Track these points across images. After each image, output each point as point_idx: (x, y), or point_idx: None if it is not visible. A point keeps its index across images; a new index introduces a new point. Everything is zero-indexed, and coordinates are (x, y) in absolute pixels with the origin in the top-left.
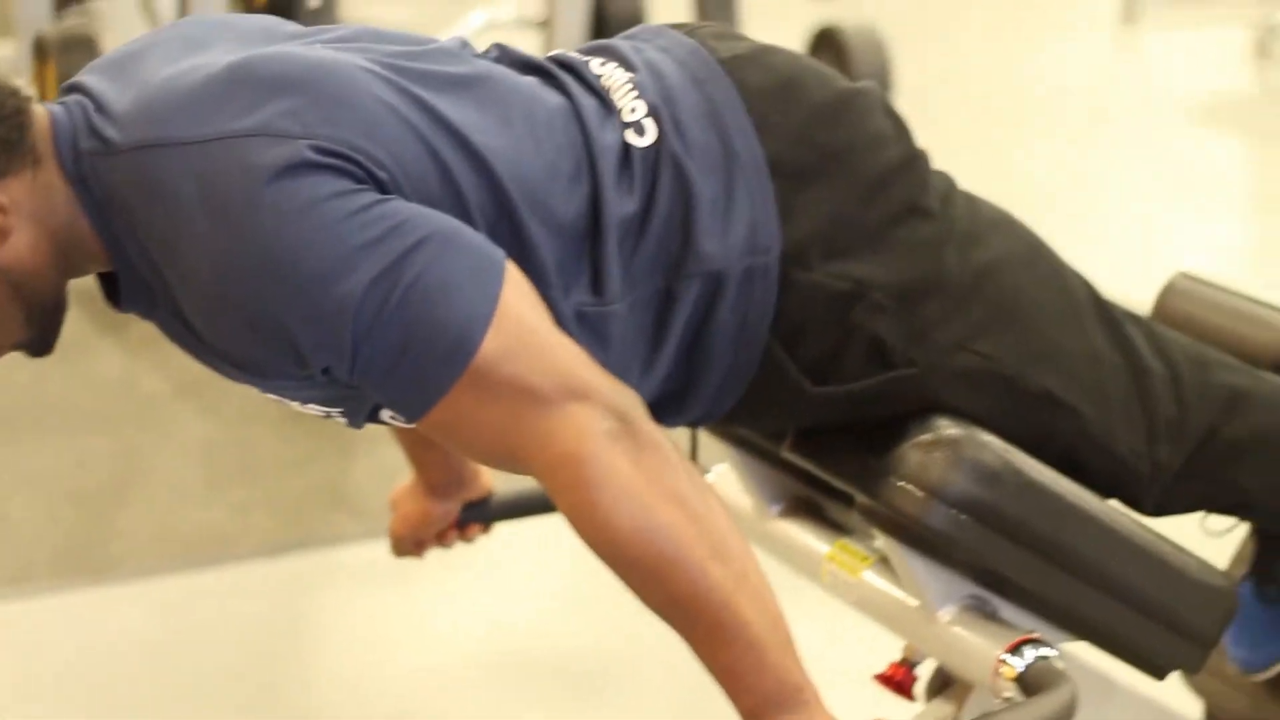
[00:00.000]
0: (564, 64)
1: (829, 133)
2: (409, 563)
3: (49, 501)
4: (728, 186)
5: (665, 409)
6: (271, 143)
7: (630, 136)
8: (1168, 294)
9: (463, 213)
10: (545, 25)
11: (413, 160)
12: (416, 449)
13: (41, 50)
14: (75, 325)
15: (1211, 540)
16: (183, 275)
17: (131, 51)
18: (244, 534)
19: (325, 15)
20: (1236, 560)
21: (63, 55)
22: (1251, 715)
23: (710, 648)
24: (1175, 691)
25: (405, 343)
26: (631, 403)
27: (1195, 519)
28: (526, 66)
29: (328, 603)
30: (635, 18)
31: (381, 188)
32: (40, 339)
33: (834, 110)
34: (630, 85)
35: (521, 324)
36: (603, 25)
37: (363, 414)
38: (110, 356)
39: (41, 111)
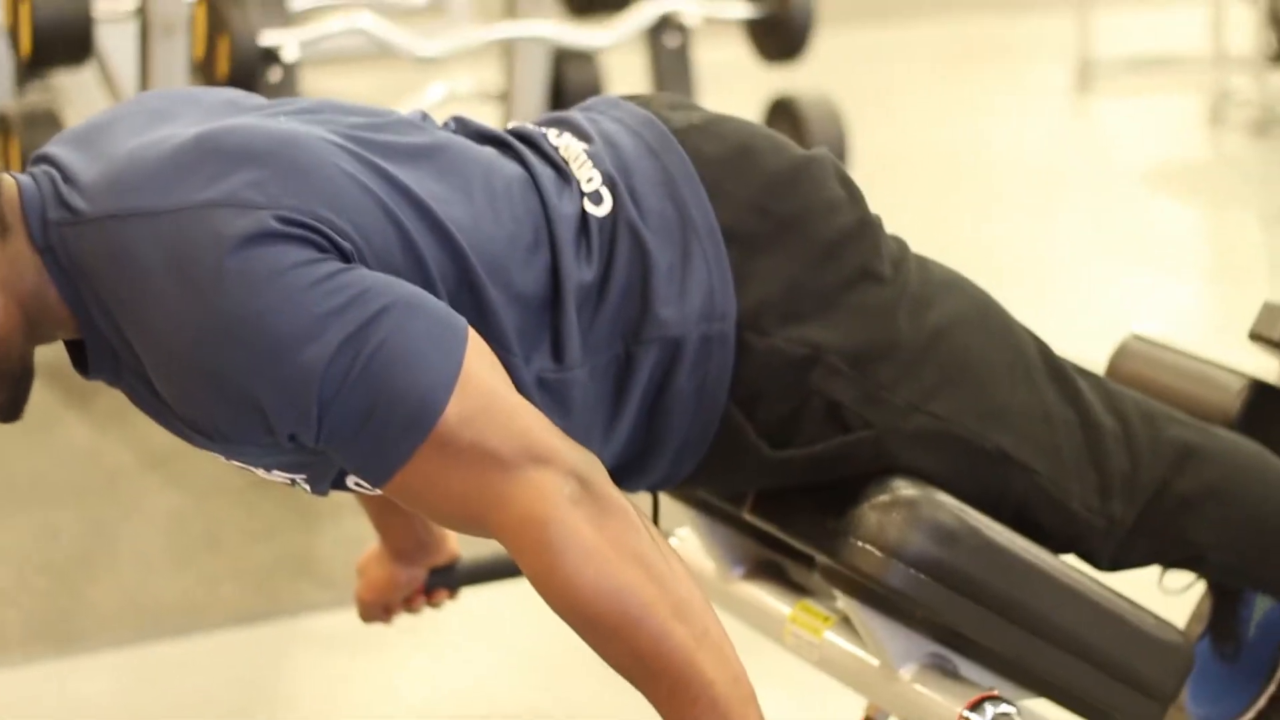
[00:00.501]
0: (521, 135)
1: (782, 201)
2: (377, 630)
3: (18, 573)
4: (684, 254)
5: (627, 473)
6: (237, 213)
7: (588, 206)
8: (1120, 355)
9: (425, 281)
10: (504, 98)
11: (375, 230)
12: (382, 515)
13: (4, 125)
14: (42, 398)
15: (1169, 599)
16: (149, 343)
17: (98, 124)
18: (212, 604)
19: (286, 88)
20: (1194, 618)
21: (26, 130)
22: None
23: (673, 706)
24: None
25: (369, 409)
26: (593, 466)
27: (1152, 578)
28: (484, 138)
29: (296, 671)
30: (594, 89)
31: (345, 256)
32: (9, 404)
33: (787, 178)
34: (586, 156)
35: (483, 389)
36: (561, 97)
37: (327, 481)
38: (77, 429)
39: (9, 181)
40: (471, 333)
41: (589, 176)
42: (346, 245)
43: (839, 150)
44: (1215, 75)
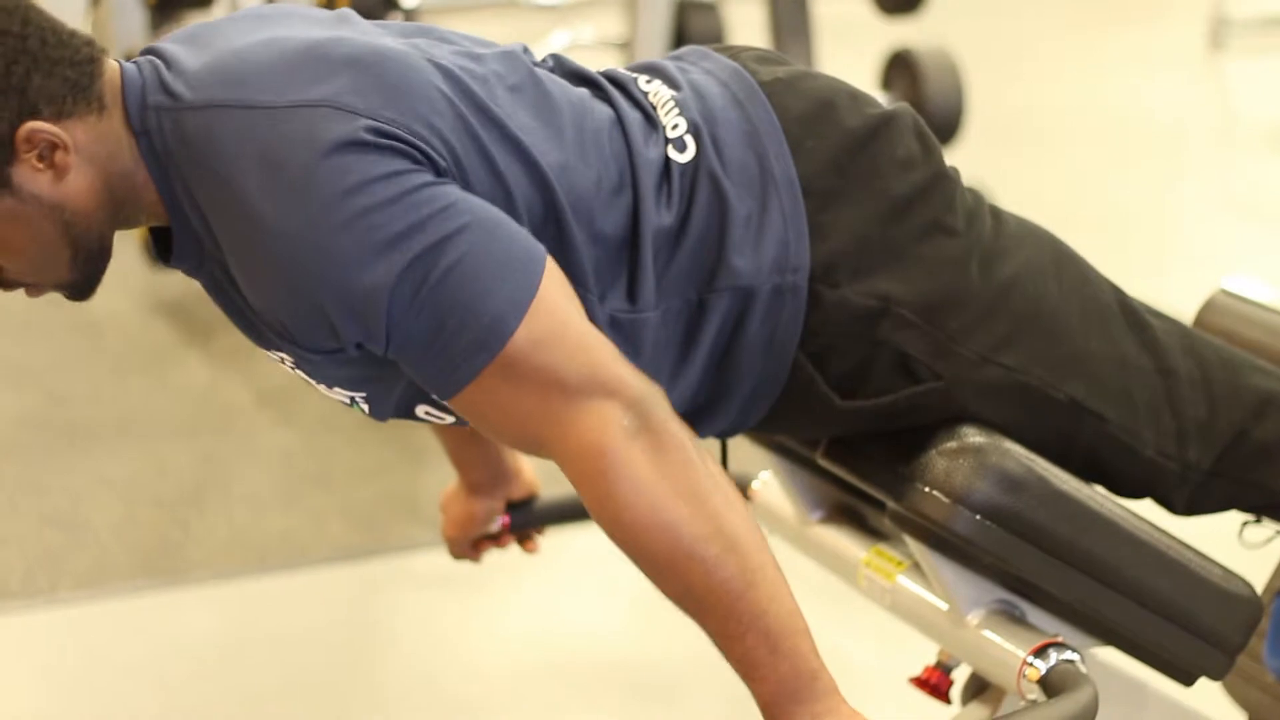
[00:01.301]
0: (613, 79)
1: (858, 157)
2: (479, 569)
3: (129, 506)
4: (762, 205)
5: (695, 418)
6: (335, 116)
7: (671, 152)
8: (1207, 309)
9: (510, 210)
10: (626, 46)
11: (465, 154)
12: (456, 448)
13: None
14: (162, 335)
15: (1250, 553)
16: (233, 233)
17: (209, 25)
18: (318, 541)
19: None
20: (1277, 574)
21: None
22: None
23: (726, 639)
24: (1217, 702)
25: (439, 325)
26: (656, 400)
27: (1232, 531)
28: (579, 78)
29: (400, 608)
30: (715, 38)
31: (437, 171)
32: (83, 282)
33: (865, 136)
34: (673, 103)
35: (555, 316)
36: (683, 46)
37: (388, 404)
38: (195, 367)
39: (113, 65)
40: (550, 260)
41: (675, 123)
42: (441, 161)
43: (956, 104)
44: None
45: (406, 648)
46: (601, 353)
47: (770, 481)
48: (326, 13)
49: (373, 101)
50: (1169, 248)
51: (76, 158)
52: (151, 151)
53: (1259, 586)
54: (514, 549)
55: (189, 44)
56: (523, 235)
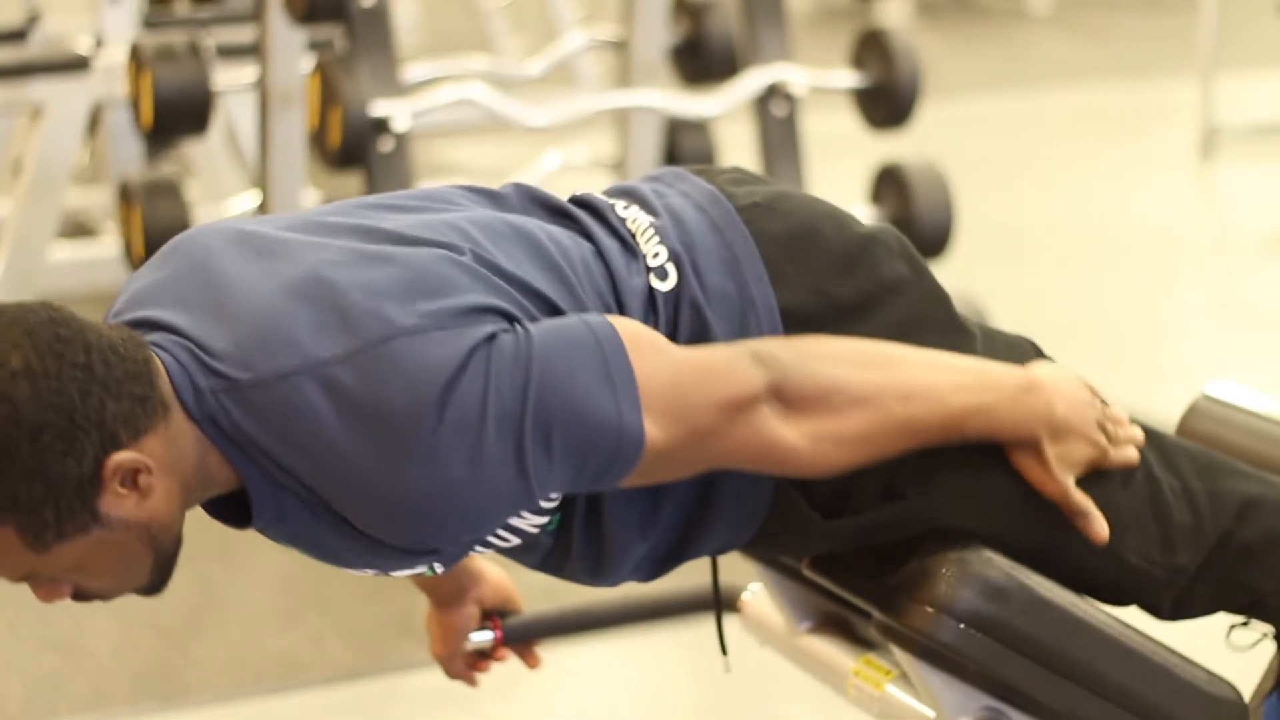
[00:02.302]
0: (589, 205)
1: (843, 283)
2: (476, 688)
3: (128, 630)
4: (741, 333)
5: (682, 543)
6: (409, 342)
7: (653, 280)
8: (1191, 415)
9: None
10: (619, 167)
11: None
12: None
13: (127, 195)
14: None
15: (1239, 656)
16: (350, 493)
17: (192, 281)
18: (317, 662)
19: (398, 158)
20: (1267, 675)
21: (148, 200)
22: None
23: (938, 435)
24: None
25: (580, 463)
26: (775, 369)
27: (1221, 635)
28: (552, 211)
29: None
30: (706, 157)
31: (504, 317)
32: (160, 581)
33: (848, 260)
34: (653, 230)
35: (663, 384)
36: (674, 164)
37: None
38: None
39: (157, 360)
40: (620, 325)
41: (655, 251)
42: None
43: (945, 217)
44: None
45: None
46: (713, 378)
47: (760, 593)
48: (296, 225)
49: (429, 309)
50: (1162, 357)
51: (158, 474)
52: (221, 433)
53: (1250, 688)
54: (514, 663)
55: (193, 312)
56: (580, 329)
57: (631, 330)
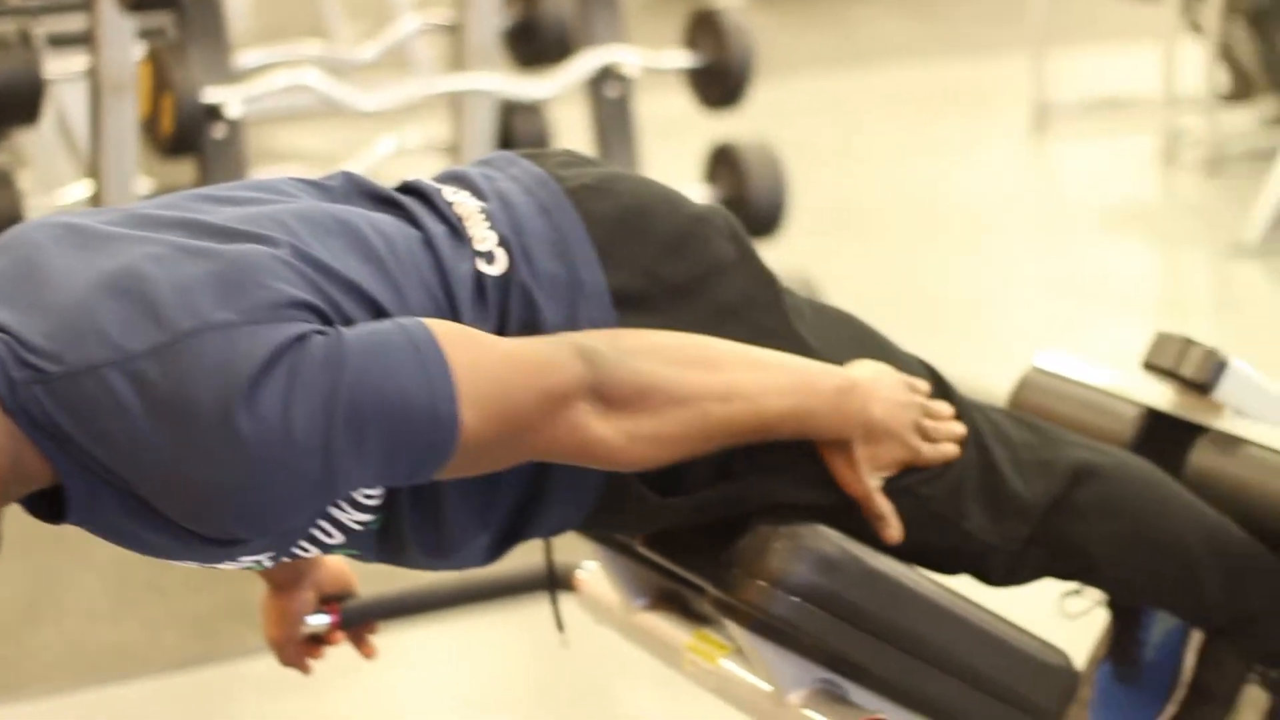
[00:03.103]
0: (417, 191)
1: (671, 265)
2: (320, 669)
3: None
4: (571, 315)
5: (517, 524)
6: (219, 338)
7: (481, 265)
8: (1021, 387)
9: None
10: (453, 150)
11: (328, 309)
12: None
13: None
14: None
15: (1073, 625)
16: (156, 483)
17: (14, 267)
18: (154, 650)
19: (231, 144)
20: (1099, 644)
21: None
22: None
23: (753, 436)
24: None
25: (394, 457)
26: (597, 365)
27: (1054, 604)
28: (378, 200)
29: (237, 714)
30: (540, 140)
31: (320, 318)
32: None
33: (677, 241)
34: (482, 215)
35: (479, 375)
36: (510, 148)
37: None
38: None
39: None
40: (435, 324)
41: (484, 236)
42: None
43: (778, 196)
44: (1167, 115)
45: None
46: (532, 372)
47: (595, 571)
48: (122, 219)
49: (240, 304)
50: (994, 330)
51: None
52: (35, 426)
53: (1083, 658)
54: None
55: (14, 306)
56: (393, 331)
57: (446, 327)
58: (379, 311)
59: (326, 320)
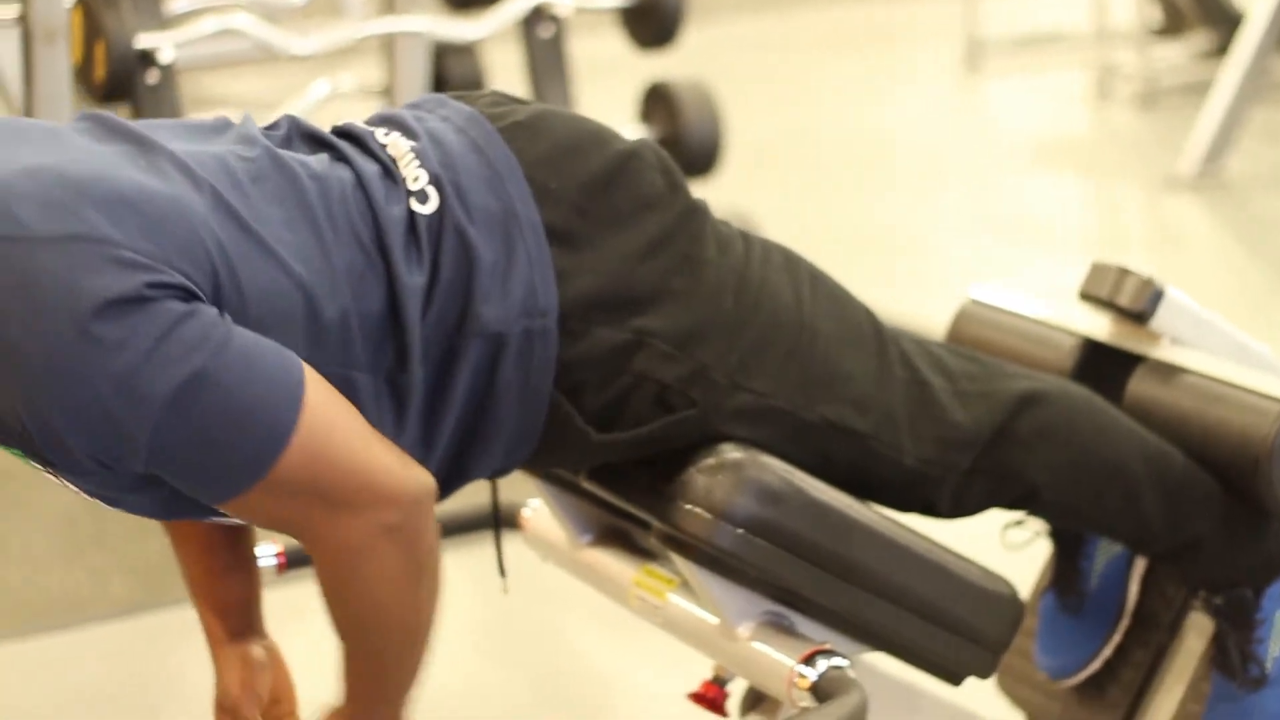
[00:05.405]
0: (350, 135)
1: (603, 199)
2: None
3: None
4: (508, 250)
5: (459, 463)
6: (92, 250)
7: (414, 204)
8: (960, 319)
9: (279, 314)
10: (387, 92)
11: (226, 277)
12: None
13: None
14: None
15: (1015, 557)
16: None
17: None
18: (100, 598)
19: (164, 91)
20: (1043, 573)
21: None
22: None
23: (365, 678)
24: (993, 703)
25: (204, 453)
26: (422, 503)
27: (997, 535)
28: (315, 141)
29: (184, 661)
30: (474, 82)
31: (192, 296)
32: None
33: (607, 177)
34: (413, 154)
35: (320, 432)
36: (443, 90)
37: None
38: None
39: None
40: (310, 374)
41: (416, 175)
42: (197, 289)
43: (713, 133)
44: (1100, 50)
45: (192, 698)
46: (371, 461)
47: (540, 508)
48: (57, 128)
49: (130, 233)
50: (927, 265)
51: None
52: None
53: (1027, 589)
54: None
55: None
56: (277, 352)
57: (318, 383)
58: (294, 278)
59: (193, 296)
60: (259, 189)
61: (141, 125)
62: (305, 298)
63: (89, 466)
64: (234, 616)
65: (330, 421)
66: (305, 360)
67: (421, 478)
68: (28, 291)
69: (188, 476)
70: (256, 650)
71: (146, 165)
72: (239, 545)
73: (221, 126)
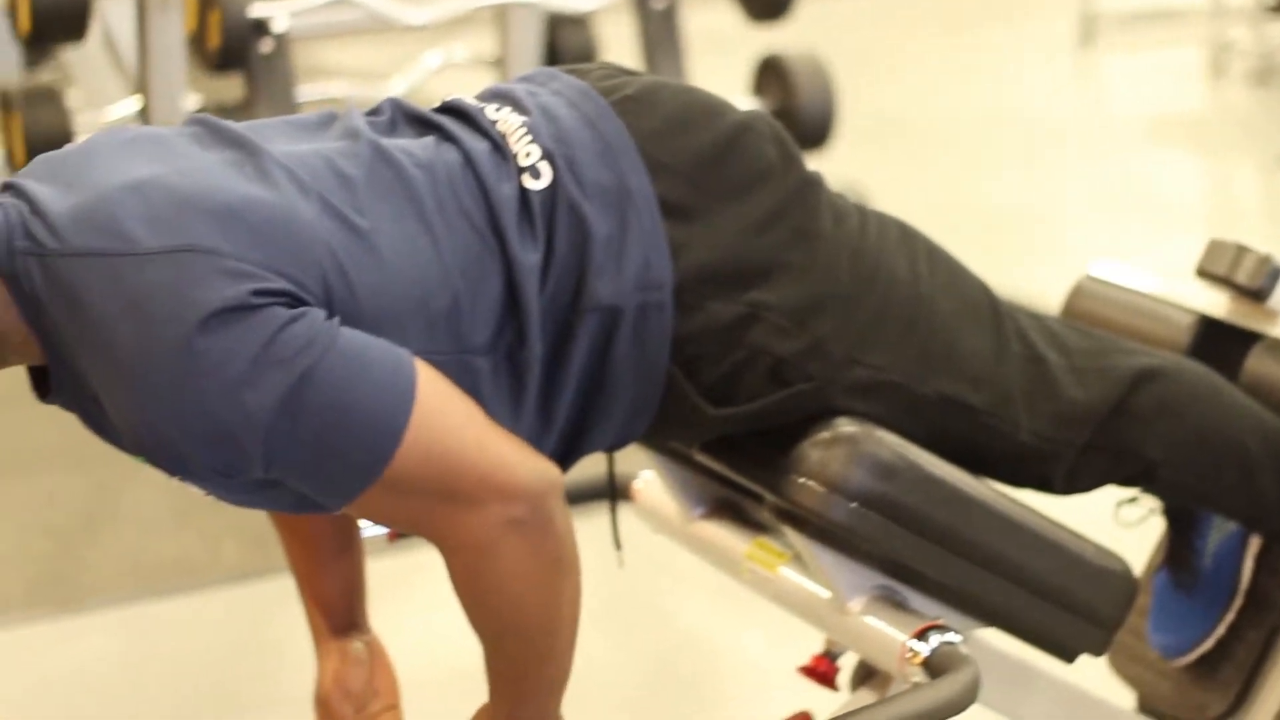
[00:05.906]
0: (459, 111)
1: (716, 173)
2: (375, 581)
3: (20, 537)
4: (621, 224)
5: (576, 439)
6: (201, 262)
7: (526, 180)
8: (1075, 295)
9: (395, 319)
10: (499, 64)
11: (338, 284)
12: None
13: (7, 103)
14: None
15: (1129, 533)
16: (104, 377)
17: (72, 154)
18: (212, 562)
19: (278, 60)
20: (1156, 552)
21: (28, 108)
22: (1176, 700)
23: (508, 678)
24: (1105, 680)
25: (319, 456)
26: (548, 492)
27: (1110, 513)
28: (421, 123)
29: (296, 625)
30: (587, 53)
31: (301, 301)
32: None
33: (721, 149)
34: (525, 129)
35: (435, 429)
36: (556, 62)
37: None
38: None
39: None
40: (422, 368)
41: (527, 151)
42: (308, 296)
43: (827, 107)
44: (1215, 27)
45: (304, 663)
46: (492, 455)
47: (652, 480)
48: (165, 135)
49: (238, 243)
50: (1044, 241)
51: None
52: (22, 295)
53: (1140, 567)
54: (403, 561)
55: (52, 183)
56: (387, 350)
57: (432, 377)
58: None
59: (302, 302)
60: (365, 186)
61: (247, 127)
62: (418, 291)
63: (211, 476)
64: (337, 611)
65: (445, 417)
66: (422, 352)
67: (545, 469)
68: (138, 307)
69: (306, 479)
70: (356, 645)
71: (254, 172)
72: (343, 536)
73: (326, 121)
